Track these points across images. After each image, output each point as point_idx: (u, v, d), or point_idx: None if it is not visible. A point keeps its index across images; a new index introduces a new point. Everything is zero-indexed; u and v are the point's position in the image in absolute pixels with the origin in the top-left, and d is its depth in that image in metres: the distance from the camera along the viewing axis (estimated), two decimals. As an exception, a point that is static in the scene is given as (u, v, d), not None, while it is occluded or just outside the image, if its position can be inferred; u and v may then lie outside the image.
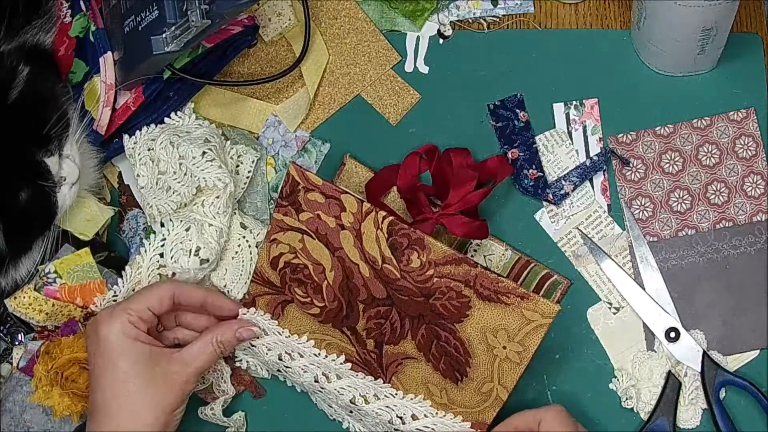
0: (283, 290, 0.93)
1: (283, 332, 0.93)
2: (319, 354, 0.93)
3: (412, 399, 0.92)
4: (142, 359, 0.87)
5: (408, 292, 0.89)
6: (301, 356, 0.93)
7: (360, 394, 0.93)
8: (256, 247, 0.97)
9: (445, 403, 0.91)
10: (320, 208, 0.90)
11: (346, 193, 0.89)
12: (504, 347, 0.88)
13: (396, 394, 0.92)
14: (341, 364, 0.93)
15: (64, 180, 0.92)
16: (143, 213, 1.00)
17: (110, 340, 0.87)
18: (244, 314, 0.94)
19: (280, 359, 0.94)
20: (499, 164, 0.97)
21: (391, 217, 0.88)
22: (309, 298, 0.92)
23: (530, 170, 0.99)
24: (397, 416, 0.92)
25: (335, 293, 0.91)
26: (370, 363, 0.92)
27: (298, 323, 0.93)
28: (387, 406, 0.92)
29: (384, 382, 0.92)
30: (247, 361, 0.97)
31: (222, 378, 0.97)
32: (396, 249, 0.88)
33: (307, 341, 0.93)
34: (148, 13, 0.93)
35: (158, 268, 0.94)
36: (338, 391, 0.93)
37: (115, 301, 0.94)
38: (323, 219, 0.90)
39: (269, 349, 0.94)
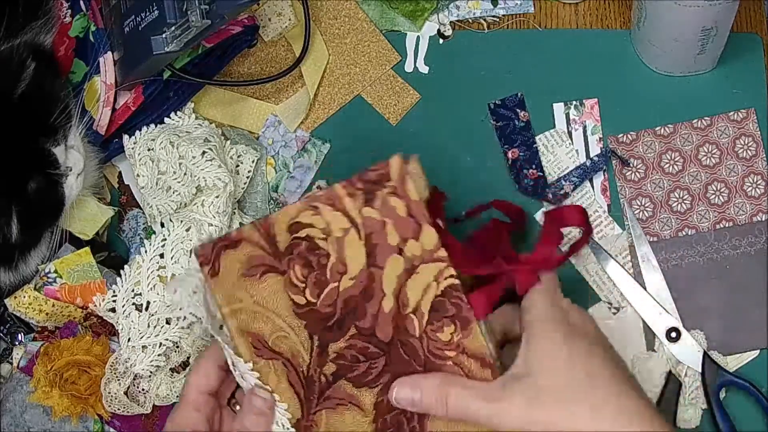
0: (281, 258, 0.79)
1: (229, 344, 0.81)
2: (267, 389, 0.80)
3: None
4: None
5: (412, 354, 0.79)
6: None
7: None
8: (257, 247, 0.96)
9: None
10: (393, 218, 0.78)
11: (433, 226, 0.77)
12: None
13: None
14: (286, 421, 0.80)
15: (70, 170, 0.92)
16: (143, 213, 1.00)
17: None
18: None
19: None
20: (576, 215, 0.85)
21: (456, 281, 0.77)
22: (304, 285, 0.79)
23: (530, 170, 0.99)
24: None
25: (336, 301, 0.79)
26: (312, 384, 0.80)
27: (274, 298, 0.80)
28: None
29: (308, 414, 0.80)
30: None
31: None
32: (436, 310, 0.78)
33: (252, 370, 0.80)
34: (148, 13, 0.93)
35: (158, 269, 0.94)
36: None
37: (114, 301, 0.94)
38: (387, 230, 0.78)
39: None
